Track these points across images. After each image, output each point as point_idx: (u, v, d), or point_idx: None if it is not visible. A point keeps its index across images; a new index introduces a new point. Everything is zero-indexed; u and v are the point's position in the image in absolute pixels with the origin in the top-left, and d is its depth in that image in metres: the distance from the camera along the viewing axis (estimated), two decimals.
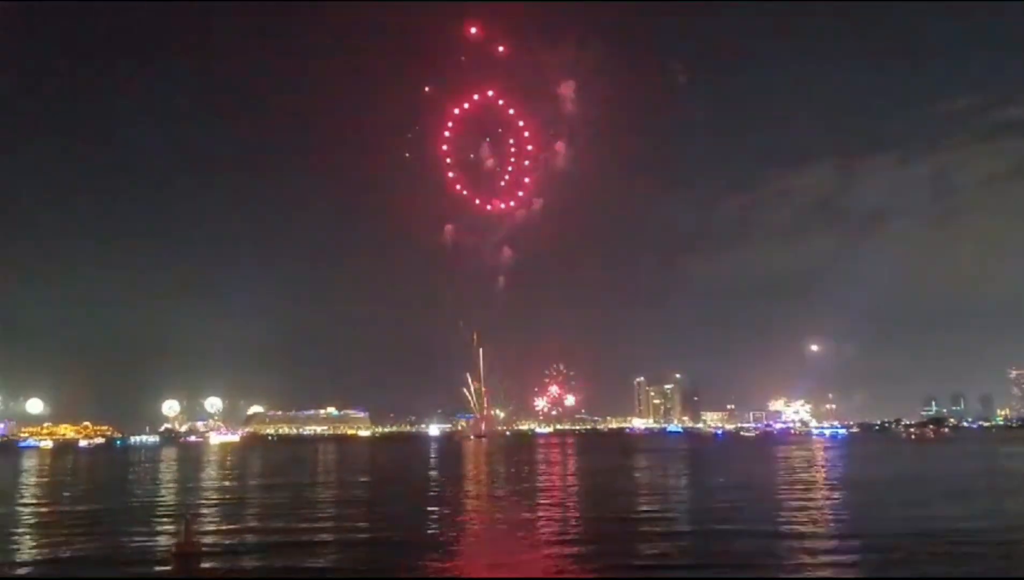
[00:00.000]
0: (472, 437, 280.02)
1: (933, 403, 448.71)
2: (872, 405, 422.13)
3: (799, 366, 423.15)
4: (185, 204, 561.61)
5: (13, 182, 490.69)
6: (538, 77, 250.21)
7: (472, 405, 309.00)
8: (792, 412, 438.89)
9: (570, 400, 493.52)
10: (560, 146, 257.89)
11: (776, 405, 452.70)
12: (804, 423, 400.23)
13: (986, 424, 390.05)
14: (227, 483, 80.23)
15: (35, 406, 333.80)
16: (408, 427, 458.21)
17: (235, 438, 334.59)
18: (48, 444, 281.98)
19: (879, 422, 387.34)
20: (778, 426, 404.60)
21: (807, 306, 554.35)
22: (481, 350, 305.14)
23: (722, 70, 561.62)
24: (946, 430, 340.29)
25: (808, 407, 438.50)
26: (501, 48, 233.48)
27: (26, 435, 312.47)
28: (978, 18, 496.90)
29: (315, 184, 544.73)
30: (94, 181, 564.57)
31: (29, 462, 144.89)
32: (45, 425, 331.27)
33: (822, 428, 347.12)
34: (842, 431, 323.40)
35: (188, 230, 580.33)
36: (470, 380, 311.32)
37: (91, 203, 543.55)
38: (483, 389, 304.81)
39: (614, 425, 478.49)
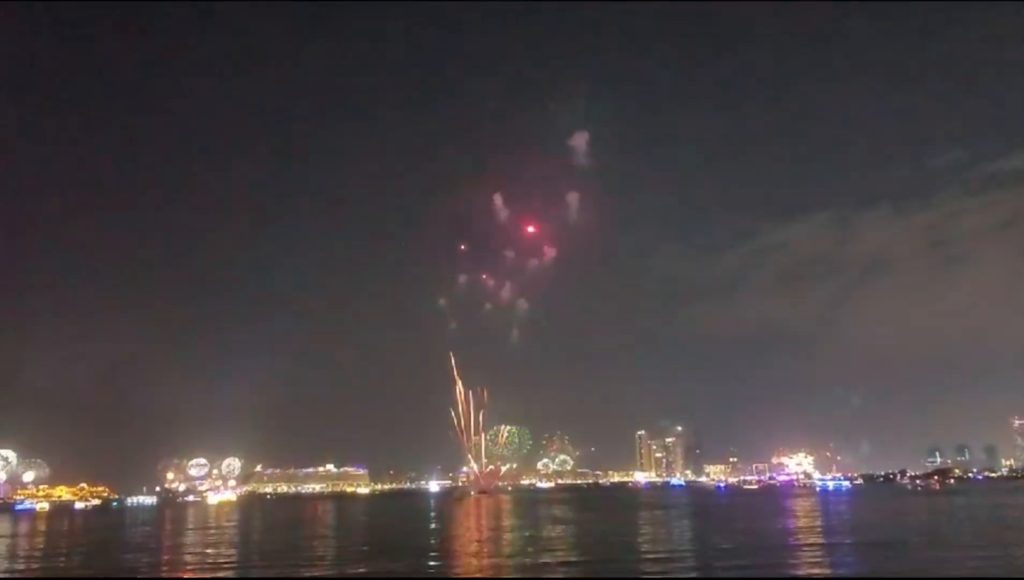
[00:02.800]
0: (473, 493, 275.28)
1: (937, 454, 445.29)
2: (875, 456, 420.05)
3: (801, 417, 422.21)
4: (186, 267, 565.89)
5: (15, 244, 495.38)
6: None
7: (471, 460, 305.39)
8: (795, 464, 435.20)
9: (572, 456, 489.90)
10: (572, 198, 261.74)
11: (779, 457, 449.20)
12: (807, 475, 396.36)
13: (992, 475, 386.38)
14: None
15: (34, 469, 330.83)
16: (408, 483, 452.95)
17: (233, 497, 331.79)
18: (45, 507, 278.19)
19: (883, 473, 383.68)
20: (781, 478, 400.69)
21: (808, 357, 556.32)
22: (484, 405, 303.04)
23: (720, 126, 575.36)
24: (951, 481, 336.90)
25: (811, 459, 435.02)
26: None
27: (22, 497, 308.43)
28: (968, 74, 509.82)
29: (317, 243, 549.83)
30: (96, 245, 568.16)
31: (23, 527, 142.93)
32: (42, 487, 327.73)
33: (825, 480, 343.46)
34: (845, 483, 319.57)
35: (188, 293, 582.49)
36: (473, 432, 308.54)
37: (90, 267, 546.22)
38: (482, 443, 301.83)
39: (616, 479, 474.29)
